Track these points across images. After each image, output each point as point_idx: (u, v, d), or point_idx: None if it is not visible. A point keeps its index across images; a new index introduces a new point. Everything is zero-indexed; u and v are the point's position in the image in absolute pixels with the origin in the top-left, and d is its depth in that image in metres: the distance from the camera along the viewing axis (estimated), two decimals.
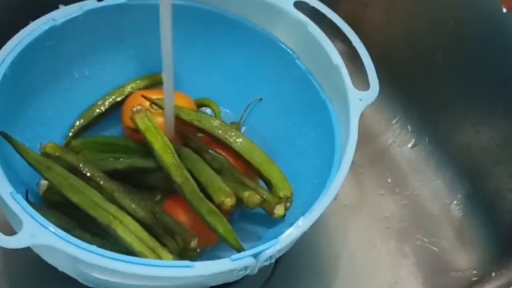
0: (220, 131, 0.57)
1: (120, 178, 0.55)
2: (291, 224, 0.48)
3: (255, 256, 0.46)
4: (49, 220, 0.49)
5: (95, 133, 0.61)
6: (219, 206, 0.52)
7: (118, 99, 0.62)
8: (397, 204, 0.66)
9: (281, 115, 0.63)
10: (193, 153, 0.56)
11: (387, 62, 0.64)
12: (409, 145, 0.70)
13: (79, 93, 0.60)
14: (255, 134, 0.62)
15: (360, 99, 0.54)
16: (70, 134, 0.60)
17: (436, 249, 0.63)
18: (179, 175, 0.53)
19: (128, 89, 0.62)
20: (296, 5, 0.58)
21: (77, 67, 0.59)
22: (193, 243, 0.52)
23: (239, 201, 0.53)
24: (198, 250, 0.52)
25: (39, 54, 0.53)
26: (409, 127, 0.70)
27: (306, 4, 0.58)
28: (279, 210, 0.55)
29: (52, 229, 0.43)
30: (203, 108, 0.65)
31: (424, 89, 0.69)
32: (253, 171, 0.58)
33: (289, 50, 0.60)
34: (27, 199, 0.52)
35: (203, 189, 0.53)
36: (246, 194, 0.53)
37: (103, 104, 0.61)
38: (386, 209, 0.66)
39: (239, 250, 0.50)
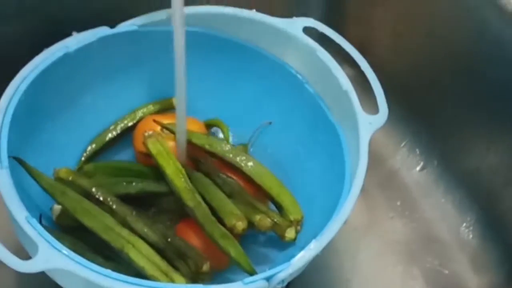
0: (231, 155, 0.59)
1: (133, 202, 0.56)
2: (302, 247, 0.49)
3: (268, 279, 0.46)
4: (63, 243, 0.51)
5: (108, 157, 0.63)
6: (230, 230, 0.53)
7: (130, 124, 0.63)
8: (406, 227, 0.67)
9: (290, 138, 0.64)
10: (205, 177, 0.57)
11: (395, 85, 0.65)
12: (418, 168, 0.70)
13: (92, 118, 0.62)
14: (264, 157, 0.63)
15: (369, 122, 0.54)
16: (83, 158, 0.61)
17: (446, 272, 0.64)
18: (191, 199, 0.54)
19: (139, 114, 0.63)
20: (305, 30, 0.59)
21: (90, 93, 0.60)
22: (205, 267, 0.52)
23: (251, 224, 0.54)
24: (210, 274, 0.53)
25: (53, 81, 0.55)
26: (417, 150, 0.71)
27: (315, 29, 0.59)
28: (290, 233, 0.55)
29: (66, 253, 0.44)
30: (213, 129, 0.66)
31: (433, 112, 0.70)
32: (263, 195, 0.58)
33: (298, 75, 0.61)
34: (41, 224, 0.53)
35: (214, 213, 0.54)
36: (257, 217, 0.54)
37: (115, 129, 0.62)
38: (395, 232, 0.66)
39: (252, 273, 0.51)
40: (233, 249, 0.52)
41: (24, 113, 0.52)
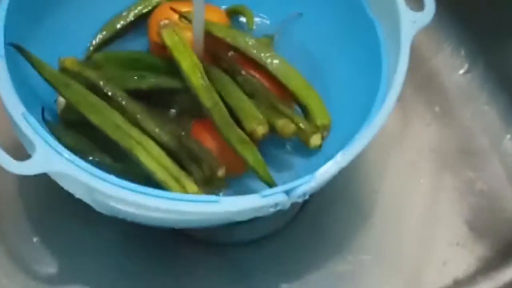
0: (255, 51, 0.54)
1: (144, 99, 0.52)
2: (327, 156, 0.45)
3: (288, 192, 0.43)
4: (66, 141, 0.48)
5: (119, 47, 0.58)
6: (250, 134, 0.49)
7: (145, 10, 0.58)
8: (443, 135, 0.62)
9: (321, 33, 0.58)
10: (224, 74, 0.53)
11: None
12: (461, 71, 0.65)
13: (103, 2, 0.57)
14: (290, 52, 0.57)
15: (413, 21, 0.49)
16: (91, 47, 0.56)
17: (482, 187, 0.59)
18: (208, 98, 0.50)
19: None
20: None
21: None
22: (220, 172, 0.49)
23: (272, 129, 0.50)
24: (225, 179, 0.50)
25: None
26: (462, 50, 0.65)
27: None
28: (315, 140, 0.51)
29: (68, 156, 0.41)
30: (235, 18, 0.61)
31: (483, 8, 0.63)
32: (289, 96, 0.54)
33: None
34: (43, 117, 0.50)
35: (233, 114, 0.50)
36: (280, 122, 0.50)
37: (128, 15, 0.58)
38: (431, 141, 0.61)
39: (270, 184, 0.48)
40: (252, 156, 0.48)
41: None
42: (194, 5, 0.50)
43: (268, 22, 0.61)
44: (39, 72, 0.49)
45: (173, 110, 0.54)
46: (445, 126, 0.62)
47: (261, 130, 0.49)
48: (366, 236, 0.55)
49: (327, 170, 0.44)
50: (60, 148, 0.41)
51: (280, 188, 0.43)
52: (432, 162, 0.60)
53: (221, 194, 0.50)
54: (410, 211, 0.58)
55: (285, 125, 0.50)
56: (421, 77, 0.65)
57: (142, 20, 0.58)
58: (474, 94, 0.64)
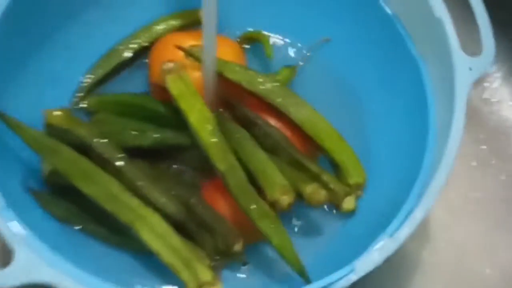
0: (276, 98, 0.46)
1: (146, 155, 0.45)
2: (362, 219, 0.42)
3: None
4: (54, 212, 0.44)
5: (114, 88, 0.50)
6: (273, 204, 0.42)
7: (144, 44, 0.50)
8: None
9: (351, 67, 0.51)
10: (240, 127, 0.45)
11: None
12: None
13: (96, 39, 0.50)
14: (314, 89, 0.51)
15: (469, 68, 0.41)
16: (82, 90, 0.49)
17: None
18: (221, 159, 0.43)
19: (156, 30, 0.50)
20: None
21: (92, 5, 0.48)
22: (237, 246, 0.43)
23: (299, 195, 0.43)
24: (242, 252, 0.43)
25: None
26: None
27: None
28: (348, 203, 0.45)
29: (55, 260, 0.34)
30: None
31: None
32: (314, 148, 0.47)
33: None
34: (27, 187, 0.43)
35: (252, 178, 0.43)
36: (308, 188, 0.43)
37: (125, 49, 0.50)
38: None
39: (299, 270, 0.41)
40: (276, 235, 0.41)
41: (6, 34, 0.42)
42: (204, 41, 0.43)
43: (293, 45, 0.54)
44: (20, 137, 0.42)
45: (180, 167, 0.47)
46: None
47: (286, 200, 0.42)
48: None
49: (370, 259, 0.37)
50: (47, 253, 0.34)
51: (314, 286, 0.36)
52: None
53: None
54: None
55: (314, 192, 0.43)
56: None
57: (141, 55, 0.50)
58: None
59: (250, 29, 0.53)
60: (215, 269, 0.42)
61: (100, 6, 0.49)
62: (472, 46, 0.42)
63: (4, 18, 0.41)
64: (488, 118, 0.57)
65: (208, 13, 0.42)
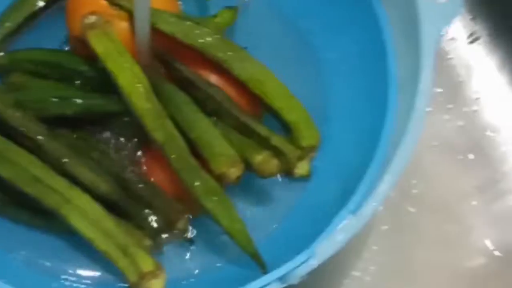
0: (219, 53, 0.41)
1: (71, 124, 0.41)
2: (319, 183, 0.39)
3: (282, 279, 0.33)
4: None
5: (29, 41, 0.45)
6: (218, 177, 0.38)
7: None
8: None
9: (301, 7, 0.46)
10: (178, 89, 0.40)
11: None
12: None
13: None
14: (258, 33, 0.47)
15: (439, 13, 0.37)
16: None
17: None
18: (158, 128, 0.39)
19: None
20: None
21: None
22: (181, 224, 0.39)
23: (248, 165, 0.39)
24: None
25: None
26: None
27: None
28: (302, 168, 0.41)
29: None
30: None
31: None
32: (261, 105, 0.43)
33: None
34: None
35: (194, 148, 0.39)
36: (258, 158, 0.39)
37: None
38: None
39: (252, 255, 0.37)
40: (225, 216, 0.38)
41: None
42: None
43: None
44: None
45: (110, 136, 0.42)
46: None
47: (234, 173, 0.38)
48: None
49: (332, 241, 0.34)
50: None
51: (271, 276, 0.33)
52: None
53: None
54: None
55: (265, 162, 0.39)
56: None
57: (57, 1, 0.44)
58: None
59: None
60: (157, 247, 0.39)
61: None
62: None
63: None
64: (443, 57, 0.54)
65: None
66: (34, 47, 0.44)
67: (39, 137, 0.38)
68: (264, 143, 0.40)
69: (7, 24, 0.44)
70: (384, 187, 0.34)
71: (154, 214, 0.39)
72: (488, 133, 0.52)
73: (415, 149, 0.45)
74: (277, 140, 0.41)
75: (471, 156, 0.51)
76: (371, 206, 0.34)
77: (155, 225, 0.39)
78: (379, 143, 0.38)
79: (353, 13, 0.43)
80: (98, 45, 0.39)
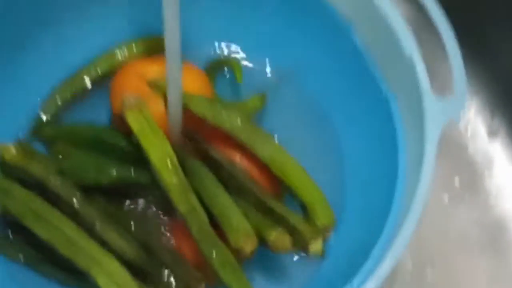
0: (243, 135, 0.46)
1: (106, 192, 0.45)
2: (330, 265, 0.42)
3: None
4: (8, 253, 0.43)
5: (75, 116, 0.50)
6: (235, 250, 0.42)
7: (105, 72, 0.49)
8: None
9: (325, 97, 0.51)
10: (205, 167, 0.45)
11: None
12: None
13: (54, 66, 0.49)
14: (285, 117, 0.52)
15: (441, 110, 0.41)
16: (40, 119, 0.49)
17: None
18: (183, 201, 0.42)
19: (118, 56, 0.50)
20: None
21: (49, 35, 0.48)
22: None
23: (263, 240, 0.43)
24: None
25: None
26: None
27: None
28: (315, 246, 0.44)
29: None
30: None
31: None
32: (282, 187, 0.46)
33: (342, 19, 0.47)
34: None
35: (214, 220, 0.43)
36: (273, 235, 0.42)
37: (84, 77, 0.49)
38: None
39: None
40: (238, 285, 0.41)
41: None
42: (168, 74, 0.42)
43: (265, 69, 0.54)
44: None
45: (141, 204, 0.46)
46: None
47: (249, 247, 0.42)
48: None
49: None
50: None
51: None
52: None
53: None
54: None
55: (279, 239, 0.43)
56: None
57: (103, 82, 0.49)
58: None
59: (221, 51, 0.53)
60: None
61: (58, 33, 0.48)
62: (445, 83, 0.42)
63: None
64: (462, 152, 0.57)
65: (171, 44, 0.41)
66: (79, 122, 0.49)
67: (75, 203, 0.42)
68: (281, 221, 0.44)
69: (58, 101, 0.49)
70: (384, 267, 0.38)
71: (175, 279, 0.42)
72: (504, 226, 0.55)
73: (432, 238, 0.49)
74: (293, 218, 0.44)
75: (487, 248, 0.54)
76: (371, 284, 0.37)
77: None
78: (384, 226, 0.41)
79: (370, 104, 0.47)
80: (134, 123, 0.44)
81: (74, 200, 0.43)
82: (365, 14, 0.45)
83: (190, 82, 0.47)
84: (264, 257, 0.45)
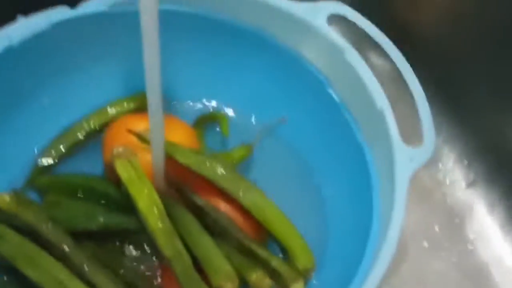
0: (226, 183, 0.49)
1: (95, 237, 0.48)
2: None
3: None
4: None
5: (69, 166, 0.53)
6: None
7: (98, 126, 0.53)
8: None
9: (306, 146, 0.55)
10: (188, 213, 0.47)
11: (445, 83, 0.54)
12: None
13: (49, 120, 0.52)
14: (270, 166, 0.55)
15: (410, 159, 0.44)
16: (36, 169, 0.52)
17: None
18: (168, 246, 0.45)
19: (110, 113, 0.53)
20: (330, 19, 0.48)
21: (46, 90, 0.51)
22: None
23: (244, 282, 0.45)
24: None
25: None
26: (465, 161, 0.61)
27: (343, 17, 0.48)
28: (296, 287, 0.46)
29: None
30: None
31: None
32: (264, 231, 0.49)
33: (320, 76, 0.50)
34: None
35: (198, 264, 0.45)
36: (253, 275, 0.45)
37: (78, 132, 0.53)
38: None
39: None
40: None
41: None
42: (151, 125, 0.45)
43: (250, 120, 0.58)
44: None
45: (130, 248, 0.49)
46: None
47: (230, 287, 0.44)
48: None
49: None
50: None
51: None
52: None
53: None
54: None
55: (259, 280, 0.45)
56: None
57: (96, 136, 0.53)
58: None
59: (210, 106, 0.57)
60: None
61: (54, 88, 0.51)
62: (416, 135, 0.45)
63: None
64: (441, 200, 0.60)
65: (152, 98, 0.43)
66: (72, 172, 0.52)
67: (66, 248, 0.45)
68: (263, 263, 0.46)
69: (52, 153, 0.52)
70: None
71: None
72: (482, 270, 0.57)
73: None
74: (274, 261, 0.47)
75: None
76: None
77: None
78: (359, 267, 0.43)
79: (347, 153, 0.50)
80: (123, 172, 0.47)
81: (65, 245, 0.45)
82: (340, 71, 0.49)
83: (177, 135, 0.51)
84: None
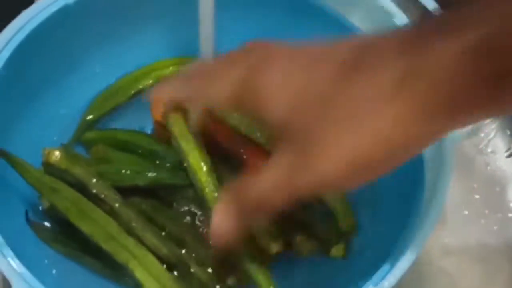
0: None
1: (143, 192, 0.50)
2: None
3: None
4: (53, 246, 0.48)
5: (119, 123, 0.56)
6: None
7: (145, 85, 0.55)
8: None
9: None
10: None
11: None
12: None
13: (97, 79, 0.55)
14: None
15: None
16: (82, 127, 0.55)
17: None
18: (214, 200, 0.47)
19: (157, 74, 0.56)
20: None
21: (98, 50, 0.53)
22: (231, 280, 0.47)
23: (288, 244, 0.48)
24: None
25: (47, 44, 0.49)
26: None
27: None
28: (338, 250, 0.49)
29: None
30: None
31: None
32: None
33: None
34: (27, 219, 0.48)
35: None
36: (297, 238, 0.48)
37: (125, 90, 0.55)
38: None
39: None
40: (265, 283, 0.46)
41: (8, 82, 0.46)
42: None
43: None
44: (22, 176, 0.47)
45: (177, 204, 0.51)
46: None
47: (274, 248, 0.46)
48: None
49: None
50: None
51: None
52: None
53: None
54: None
55: (303, 243, 0.48)
56: None
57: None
58: None
59: None
60: None
61: (101, 49, 0.54)
62: None
63: (7, 65, 0.45)
64: (483, 168, 0.62)
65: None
66: (119, 128, 0.55)
67: (114, 203, 0.47)
68: (305, 227, 0.49)
69: (99, 110, 0.54)
70: (401, 265, 0.42)
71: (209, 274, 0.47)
72: None
73: None
74: (316, 224, 0.49)
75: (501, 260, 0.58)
76: (390, 280, 0.41)
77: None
78: (403, 229, 0.45)
79: None
80: (175, 126, 0.49)
81: (112, 200, 0.47)
82: None
83: None
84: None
